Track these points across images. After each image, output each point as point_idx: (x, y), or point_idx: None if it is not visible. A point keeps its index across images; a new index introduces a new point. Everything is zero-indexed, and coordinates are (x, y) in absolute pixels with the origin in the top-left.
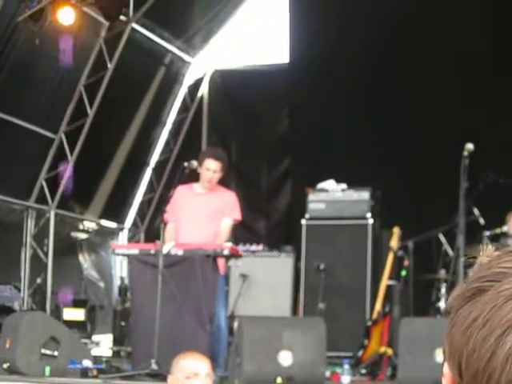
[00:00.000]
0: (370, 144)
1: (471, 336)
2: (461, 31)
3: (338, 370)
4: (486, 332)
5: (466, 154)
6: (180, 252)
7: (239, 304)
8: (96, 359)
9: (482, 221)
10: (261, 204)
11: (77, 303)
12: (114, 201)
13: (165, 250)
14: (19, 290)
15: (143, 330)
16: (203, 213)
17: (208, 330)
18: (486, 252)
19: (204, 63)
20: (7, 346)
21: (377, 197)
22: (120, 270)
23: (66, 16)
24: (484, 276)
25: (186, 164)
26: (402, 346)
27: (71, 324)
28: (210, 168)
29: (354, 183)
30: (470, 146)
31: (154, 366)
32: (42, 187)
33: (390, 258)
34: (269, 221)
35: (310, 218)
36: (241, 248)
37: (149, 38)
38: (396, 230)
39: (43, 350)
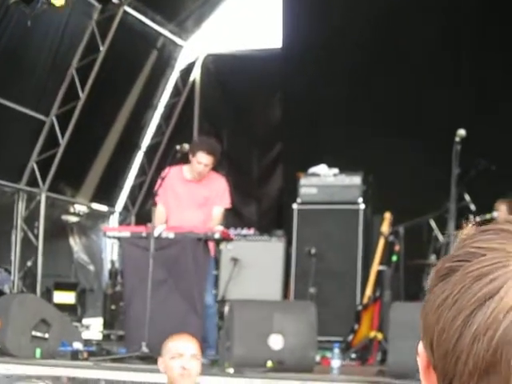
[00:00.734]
0: (361, 129)
1: (441, 315)
2: (455, 17)
3: (329, 354)
4: (454, 312)
5: (457, 139)
6: (171, 235)
7: (230, 288)
8: (86, 342)
9: (472, 207)
10: (252, 189)
11: (67, 286)
12: (105, 184)
13: (156, 233)
14: (10, 272)
15: (135, 313)
16: (193, 200)
17: (199, 312)
18: (466, 229)
19: (196, 47)
20: None
21: (368, 182)
22: (111, 253)
23: None
24: (456, 255)
25: (178, 147)
26: (392, 331)
27: (61, 307)
28: (202, 162)
29: (345, 168)
30: (461, 132)
31: (145, 349)
32: (33, 170)
33: (381, 243)
34: (260, 205)
35: (302, 203)
36: (232, 232)
37: (141, 21)
38: (387, 216)
39: (34, 332)
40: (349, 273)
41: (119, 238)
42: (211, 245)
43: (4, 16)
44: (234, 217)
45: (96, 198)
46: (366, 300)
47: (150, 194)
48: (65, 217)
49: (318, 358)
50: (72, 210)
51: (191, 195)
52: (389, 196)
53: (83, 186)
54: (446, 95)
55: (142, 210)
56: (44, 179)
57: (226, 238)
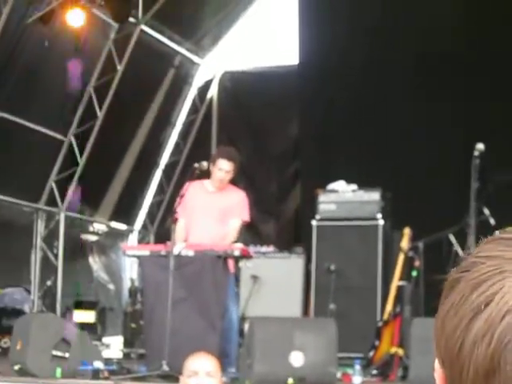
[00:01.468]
0: (379, 145)
1: (445, 326)
2: (478, 29)
3: (350, 370)
4: (455, 321)
5: (476, 153)
6: (191, 253)
7: (250, 305)
8: (107, 361)
9: (492, 221)
10: (270, 206)
11: (87, 305)
12: (124, 203)
13: (175, 251)
14: (29, 292)
15: (155, 332)
16: (213, 212)
17: (218, 330)
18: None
19: (213, 65)
20: (18, 347)
21: (387, 197)
22: (130, 271)
23: (75, 18)
24: (461, 267)
25: (196, 165)
26: (413, 347)
27: (81, 326)
28: (223, 168)
29: (364, 184)
30: (480, 146)
31: (165, 368)
32: (51, 189)
33: (401, 258)
34: (278, 222)
35: (321, 219)
36: (251, 249)
37: (158, 40)
38: (406, 231)
39: (54, 352)
40: (369, 289)
41: (139, 257)
42: (231, 262)
43: (22, 36)
44: (252, 234)
45: (115, 216)
46: (386, 316)
47: (169, 212)
48: (84, 236)
49: (339, 375)
50: (91, 228)
51: (212, 206)
52: (408, 211)
53: (102, 204)
54: (463, 109)
55: (160, 228)
56: (63, 198)
57: (245, 256)
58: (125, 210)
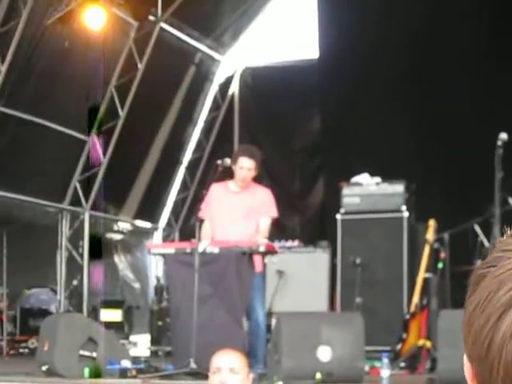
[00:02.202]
0: (403, 136)
1: (473, 324)
2: (498, 23)
3: (377, 364)
4: (483, 320)
5: (500, 143)
6: (216, 250)
7: (276, 300)
8: (134, 359)
9: None
10: (294, 200)
11: (114, 304)
12: (148, 201)
13: (200, 249)
14: (56, 292)
15: (182, 329)
16: (238, 211)
17: (243, 326)
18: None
19: (234, 61)
20: (45, 348)
21: (411, 189)
22: (155, 269)
23: (94, 18)
24: (486, 262)
25: (219, 162)
26: (440, 339)
27: (108, 325)
28: (244, 166)
29: (388, 176)
30: (504, 136)
31: (193, 365)
32: (75, 189)
33: (427, 250)
34: (302, 217)
35: (345, 213)
36: (276, 244)
37: (178, 38)
38: (431, 223)
39: (81, 352)
40: (395, 281)
41: (164, 255)
42: (259, 260)
43: (42, 37)
44: (277, 229)
45: (139, 214)
46: (413, 308)
47: (193, 210)
48: (109, 235)
49: (366, 368)
50: (116, 227)
51: (236, 206)
52: (432, 203)
53: (126, 203)
54: (486, 99)
55: (185, 225)
56: (87, 198)
57: (270, 251)
58: (149, 209)
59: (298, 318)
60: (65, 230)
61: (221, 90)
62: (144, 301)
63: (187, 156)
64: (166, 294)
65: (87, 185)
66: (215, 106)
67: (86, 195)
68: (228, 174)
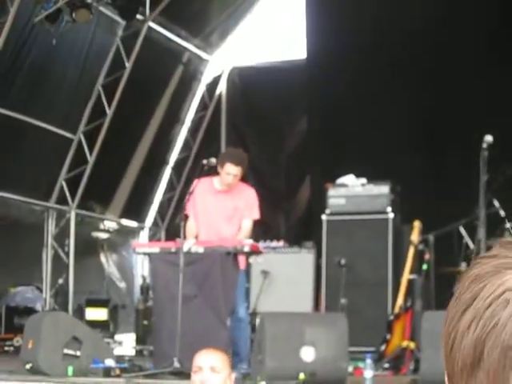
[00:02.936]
0: (389, 138)
1: (444, 326)
2: (484, 22)
3: (361, 364)
4: (449, 319)
5: (485, 145)
6: (200, 249)
7: (261, 300)
8: (119, 358)
9: (502, 213)
10: (280, 201)
11: (99, 303)
12: (134, 200)
13: (185, 248)
14: (41, 290)
15: (166, 329)
16: (222, 211)
17: (227, 326)
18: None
19: (222, 61)
20: (30, 346)
21: (397, 191)
22: (141, 268)
23: (82, 16)
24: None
25: (205, 162)
26: (424, 340)
27: (94, 324)
28: (230, 172)
29: (373, 177)
30: (489, 138)
31: (177, 364)
32: (62, 187)
33: (411, 251)
34: (288, 217)
35: (331, 214)
36: (261, 245)
37: (166, 37)
38: (417, 224)
39: (65, 350)
40: (379, 282)
41: (149, 254)
42: (242, 258)
43: (29, 35)
44: (262, 229)
45: (125, 214)
46: (397, 309)
47: (179, 209)
48: (95, 234)
49: (350, 369)
50: (102, 226)
51: (221, 206)
52: (418, 204)
53: (112, 202)
54: (472, 101)
55: (171, 224)
56: (73, 197)
57: (255, 251)
58: (135, 208)
59: (282, 318)
60: (51, 228)
61: (208, 89)
62: (130, 300)
63: (174, 155)
64: (151, 293)
65: (74, 183)
66: (202, 106)
67: (73, 194)
68: (213, 173)
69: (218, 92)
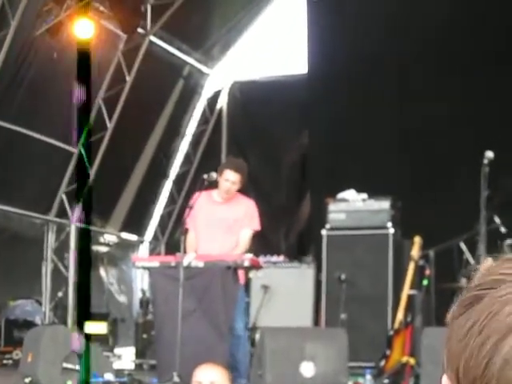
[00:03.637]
0: (390, 153)
1: (468, 344)
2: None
3: (361, 380)
4: (482, 339)
5: (485, 161)
6: (201, 264)
7: (261, 315)
8: (118, 372)
9: (503, 229)
10: (280, 215)
11: (99, 316)
12: (135, 213)
13: (185, 263)
14: (41, 304)
15: (166, 343)
16: (221, 223)
17: (227, 341)
18: (486, 262)
19: (223, 75)
20: (29, 360)
21: (397, 206)
22: (141, 282)
23: (83, 30)
24: (481, 284)
25: (205, 176)
26: (424, 356)
27: (93, 338)
28: (229, 179)
29: (374, 193)
30: (489, 154)
31: (176, 379)
32: (62, 201)
33: (412, 267)
34: (288, 232)
35: (331, 229)
36: (261, 259)
37: (167, 51)
38: (417, 239)
39: (65, 364)
40: (380, 298)
41: (148, 268)
42: (241, 272)
43: (30, 48)
44: (262, 244)
45: (125, 227)
46: (397, 325)
47: (180, 223)
48: (95, 247)
49: None
50: (102, 240)
51: (221, 217)
52: (418, 220)
53: (112, 215)
54: (472, 117)
55: (171, 238)
56: (73, 210)
57: (255, 266)
58: (135, 221)
59: (282, 333)
60: (50, 241)
61: (209, 103)
62: (129, 313)
63: (174, 169)
64: (151, 307)
65: (74, 197)
66: (203, 120)
67: (73, 207)
68: (214, 188)
69: (218, 106)
